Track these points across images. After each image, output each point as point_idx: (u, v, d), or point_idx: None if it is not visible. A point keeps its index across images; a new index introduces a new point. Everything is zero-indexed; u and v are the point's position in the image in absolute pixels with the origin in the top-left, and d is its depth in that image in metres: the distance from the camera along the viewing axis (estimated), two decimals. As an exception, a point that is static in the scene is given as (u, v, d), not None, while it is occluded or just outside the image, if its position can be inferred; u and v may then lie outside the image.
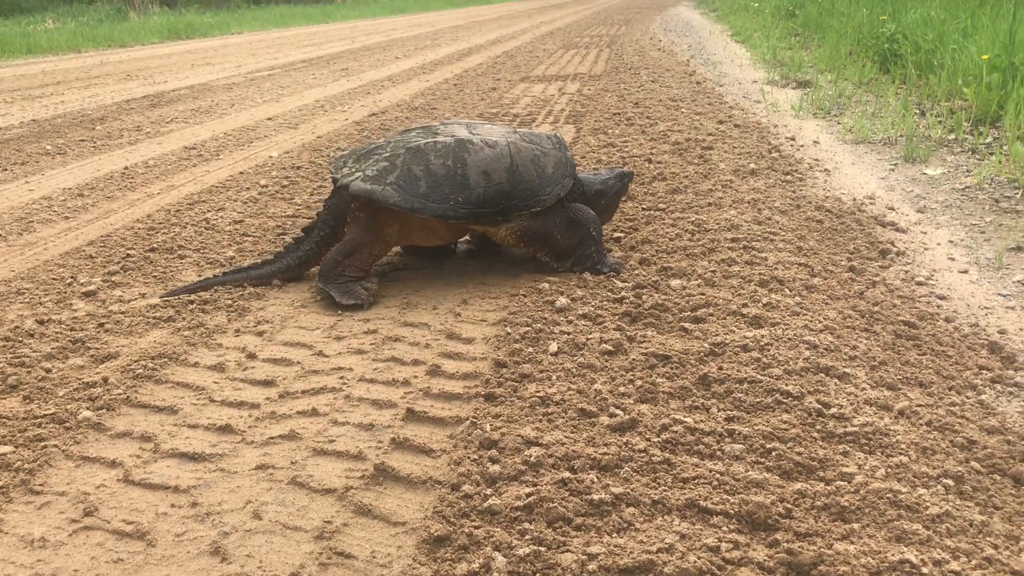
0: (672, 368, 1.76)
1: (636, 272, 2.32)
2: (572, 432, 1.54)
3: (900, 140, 4.09)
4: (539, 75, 6.93)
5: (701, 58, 8.04)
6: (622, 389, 1.68)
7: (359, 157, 2.34)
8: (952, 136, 4.26)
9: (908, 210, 3.16)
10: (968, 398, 1.75)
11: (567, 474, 1.40)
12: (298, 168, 3.75)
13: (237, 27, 16.50)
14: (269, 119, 5.17)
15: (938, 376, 1.82)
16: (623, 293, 2.17)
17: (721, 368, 1.74)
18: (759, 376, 1.69)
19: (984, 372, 1.88)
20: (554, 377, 1.74)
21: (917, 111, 4.92)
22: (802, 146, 4.20)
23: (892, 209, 3.15)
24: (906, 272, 2.49)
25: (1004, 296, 2.34)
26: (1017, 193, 3.27)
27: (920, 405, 1.66)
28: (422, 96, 5.88)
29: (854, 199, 3.24)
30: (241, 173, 3.71)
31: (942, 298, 2.32)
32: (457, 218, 2.22)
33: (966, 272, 2.53)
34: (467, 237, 2.62)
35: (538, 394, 1.67)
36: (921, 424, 1.58)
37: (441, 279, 2.39)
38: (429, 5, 24.91)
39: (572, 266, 2.35)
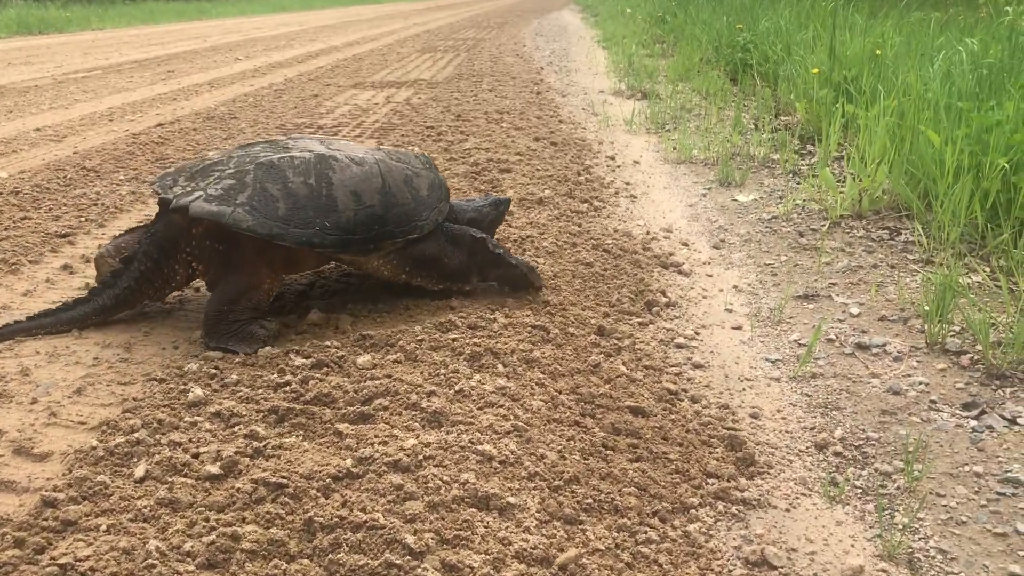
0: (280, 505, 1.29)
1: (328, 343, 1.85)
2: (70, 631, 1.05)
3: (725, 159, 3.76)
4: (375, 81, 6.42)
5: (557, 65, 7.69)
6: (189, 546, 1.20)
7: (193, 174, 1.94)
8: (777, 156, 3.97)
9: (703, 246, 2.80)
10: (673, 529, 1.35)
11: None
12: (17, 193, 3.14)
13: (99, 23, 15.30)
14: (37, 130, 4.50)
15: (643, 495, 1.41)
16: (290, 376, 1.69)
17: (345, 502, 1.28)
18: (385, 518, 1.24)
19: (710, 482, 1.49)
20: (106, 526, 1.25)
21: (753, 126, 4.64)
22: (619, 167, 3.83)
23: (686, 245, 2.79)
24: (668, 331, 2.10)
25: (772, 362, 1.98)
26: (824, 225, 2.96)
27: (597, 550, 1.25)
28: (230, 104, 5.29)
29: (647, 233, 2.86)
30: (-59, 201, 3.08)
31: (698, 367, 1.94)
32: (324, 246, 1.90)
33: (739, 328, 2.16)
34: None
35: (63, 559, 1.17)
36: (582, 588, 1.16)
37: (71, 355, 1.85)
38: (312, 4, 23.96)
39: (482, 282, 2.13)
